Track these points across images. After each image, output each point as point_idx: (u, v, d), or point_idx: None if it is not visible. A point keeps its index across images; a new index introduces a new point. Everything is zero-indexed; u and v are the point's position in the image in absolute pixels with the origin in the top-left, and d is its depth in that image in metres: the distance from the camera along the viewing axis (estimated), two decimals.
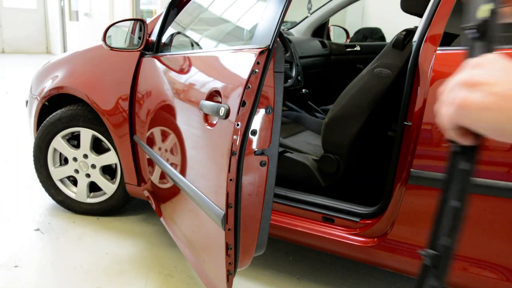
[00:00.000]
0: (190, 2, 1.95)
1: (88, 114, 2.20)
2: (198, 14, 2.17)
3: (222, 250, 1.17)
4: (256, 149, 1.15)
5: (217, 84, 1.26)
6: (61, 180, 2.37)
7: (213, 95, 1.26)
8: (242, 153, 1.09)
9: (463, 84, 0.48)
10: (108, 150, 2.22)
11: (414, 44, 1.41)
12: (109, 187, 2.27)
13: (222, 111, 1.13)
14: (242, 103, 1.07)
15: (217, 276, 1.26)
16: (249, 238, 1.20)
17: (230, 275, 1.21)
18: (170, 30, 1.96)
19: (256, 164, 1.16)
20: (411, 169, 1.35)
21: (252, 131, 1.11)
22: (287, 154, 1.93)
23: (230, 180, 1.11)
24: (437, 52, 1.34)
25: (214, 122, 1.22)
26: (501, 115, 0.45)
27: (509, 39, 1.39)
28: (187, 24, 2.09)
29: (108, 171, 2.30)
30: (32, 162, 2.36)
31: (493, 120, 0.46)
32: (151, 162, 1.91)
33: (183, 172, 1.51)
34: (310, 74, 2.82)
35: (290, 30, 3.23)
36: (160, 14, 1.99)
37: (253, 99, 1.07)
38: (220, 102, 1.20)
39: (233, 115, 1.10)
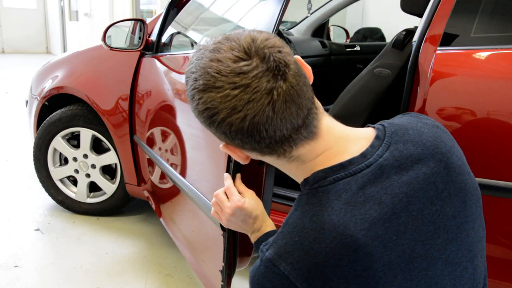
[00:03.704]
0: (190, 2, 1.95)
1: (88, 114, 2.20)
2: (198, 14, 2.17)
3: (221, 250, 1.17)
4: None
5: None
6: (61, 180, 2.37)
7: None
8: None
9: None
10: (108, 150, 2.22)
11: (414, 44, 1.41)
12: (109, 187, 2.27)
13: None
14: None
15: (216, 277, 1.26)
16: (248, 238, 1.20)
17: (229, 276, 1.21)
18: (170, 30, 1.96)
19: (254, 164, 1.16)
20: None
21: None
22: None
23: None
24: (437, 52, 1.34)
25: None
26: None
27: (509, 39, 1.39)
28: (187, 24, 2.10)
29: (108, 171, 2.30)
30: (32, 162, 2.36)
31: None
32: (151, 162, 1.91)
33: (182, 172, 1.51)
34: None
35: (290, 30, 3.23)
36: (160, 14, 1.99)
37: None
38: None
39: None
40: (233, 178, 0.97)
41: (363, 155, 0.62)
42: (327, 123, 0.65)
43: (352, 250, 0.56)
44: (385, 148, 0.63)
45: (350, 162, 0.62)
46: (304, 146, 0.63)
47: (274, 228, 0.90)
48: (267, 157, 0.65)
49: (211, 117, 0.60)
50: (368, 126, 0.70)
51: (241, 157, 0.67)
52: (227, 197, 0.90)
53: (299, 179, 0.67)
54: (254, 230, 0.89)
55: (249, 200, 0.89)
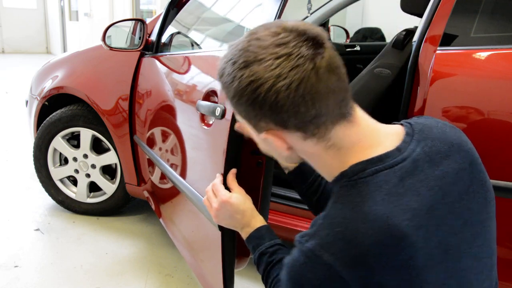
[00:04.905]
0: (190, 2, 1.95)
1: (88, 114, 2.20)
2: (198, 14, 2.17)
3: (219, 251, 1.17)
4: (252, 149, 1.15)
5: (214, 84, 1.26)
6: (61, 180, 2.37)
7: (210, 95, 1.26)
8: (238, 153, 1.09)
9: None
10: (108, 150, 2.22)
11: (414, 44, 1.40)
12: (109, 187, 2.27)
13: (218, 111, 1.13)
14: None
15: (215, 277, 1.25)
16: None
17: (226, 276, 1.21)
18: (169, 30, 1.96)
19: (252, 164, 1.16)
20: None
21: None
22: None
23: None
24: (437, 52, 1.34)
25: (211, 122, 1.22)
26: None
27: (509, 39, 1.39)
28: (187, 24, 2.10)
29: (108, 171, 2.30)
30: (32, 162, 2.36)
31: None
32: (151, 162, 1.91)
33: (181, 172, 1.51)
34: None
35: None
36: (160, 14, 1.99)
37: None
38: (217, 102, 1.20)
39: (229, 115, 1.09)
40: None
41: (398, 149, 0.64)
42: (360, 112, 0.68)
43: (397, 240, 0.57)
44: (416, 144, 0.66)
45: (387, 155, 0.63)
46: (342, 129, 0.64)
47: (264, 223, 0.91)
48: (308, 142, 0.65)
49: (256, 90, 0.60)
50: (393, 124, 0.72)
51: (283, 147, 0.66)
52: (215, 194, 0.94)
53: (333, 173, 0.67)
54: (243, 226, 0.90)
55: (236, 195, 0.92)
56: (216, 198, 0.93)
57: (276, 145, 0.67)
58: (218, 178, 0.99)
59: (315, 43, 0.60)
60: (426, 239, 0.60)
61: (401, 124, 0.71)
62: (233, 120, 1.07)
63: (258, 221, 0.91)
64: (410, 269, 0.58)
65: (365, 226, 0.57)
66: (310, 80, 0.59)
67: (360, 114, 0.67)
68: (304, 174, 0.97)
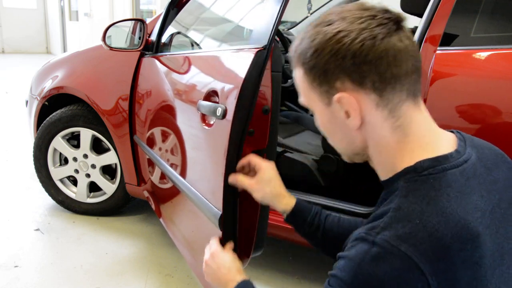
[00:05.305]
0: (190, 2, 1.95)
1: (88, 114, 2.20)
2: (198, 14, 2.17)
3: None
4: (253, 150, 1.15)
5: (215, 84, 1.26)
6: (61, 180, 2.37)
7: (211, 95, 1.26)
8: (239, 154, 1.09)
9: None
10: (108, 150, 2.22)
11: None
12: (109, 187, 2.27)
13: (219, 111, 1.13)
14: (239, 103, 1.07)
15: None
16: (246, 239, 1.20)
17: None
18: (170, 30, 1.96)
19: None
20: None
21: (249, 131, 1.11)
22: (287, 154, 1.93)
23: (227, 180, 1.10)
24: (437, 52, 1.34)
25: (212, 123, 1.22)
26: None
27: (509, 39, 1.39)
28: (187, 24, 2.10)
29: (108, 171, 2.30)
30: (32, 162, 2.36)
31: None
32: (151, 162, 1.91)
33: (181, 172, 1.51)
34: None
35: (290, 30, 3.23)
36: (160, 14, 1.99)
37: (250, 99, 1.07)
38: (218, 102, 1.20)
39: (230, 115, 1.09)
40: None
41: (458, 151, 0.65)
42: (423, 103, 0.70)
43: (475, 236, 0.57)
44: (471, 149, 0.67)
45: (451, 155, 0.64)
46: (411, 110, 0.65)
47: (246, 279, 0.94)
48: (379, 113, 0.65)
49: (341, 39, 0.62)
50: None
51: (355, 114, 0.65)
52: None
53: (394, 167, 0.66)
54: (227, 281, 0.94)
55: (227, 253, 1.01)
56: (209, 251, 1.03)
57: (350, 109, 0.65)
58: (215, 240, 1.08)
59: (396, 17, 0.64)
60: (491, 240, 0.60)
61: (450, 131, 0.73)
62: (234, 120, 1.07)
63: (244, 277, 0.94)
64: (481, 268, 0.58)
65: (445, 220, 0.57)
66: (393, 38, 0.61)
67: (423, 105, 0.69)
68: (302, 212, 0.99)
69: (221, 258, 0.99)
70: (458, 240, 0.56)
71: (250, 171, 1.06)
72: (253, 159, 1.04)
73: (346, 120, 0.67)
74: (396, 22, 0.63)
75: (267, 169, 1.00)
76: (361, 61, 0.61)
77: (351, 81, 0.64)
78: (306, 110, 2.82)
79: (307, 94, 0.71)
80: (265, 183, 0.99)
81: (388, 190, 0.67)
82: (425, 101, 1.31)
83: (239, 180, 1.03)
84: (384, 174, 0.70)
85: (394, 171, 0.67)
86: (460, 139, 0.69)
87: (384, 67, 0.62)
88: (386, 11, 0.64)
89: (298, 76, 0.70)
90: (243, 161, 1.06)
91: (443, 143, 0.67)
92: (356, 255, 0.59)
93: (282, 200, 1.00)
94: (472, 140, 0.70)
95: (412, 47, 0.64)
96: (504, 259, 0.63)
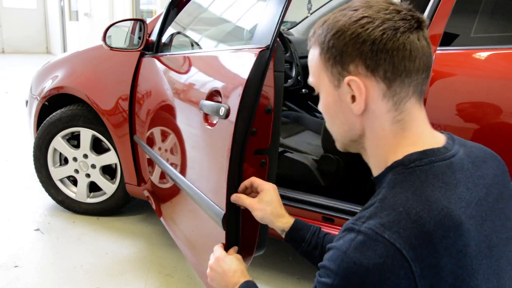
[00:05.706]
0: (190, 2, 1.95)
1: (88, 114, 2.20)
2: (198, 14, 2.17)
3: None
4: (256, 149, 1.15)
5: (217, 84, 1.26)
6: (61, 180, 2.37)
7: (213, 95, 1.26)
8: (242, 153, 1.09)
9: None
10: (108, 150, 2.22)
11: None
12: (109, 187, 2.27)
13: (222, 111, 1.13)
14: (242, 103, 1.07)
15: None
16: (249, 238, 1.20)
17: None
18: (170, 30, 1.96)
19: (256, 164, 1.16)
20: None
21: (252, 131, 1.11)
22: (287, 154, 1.93)
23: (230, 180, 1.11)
24: (437, 52, 1.34)
25: (214, 122, 1.22)
26: None
27: (509, 39, 1.39)
28: (187, 24, 2.10)
29: (108, 171, 2.30)
30: (32, 162, 2.36)
31: None
32: (151, 162, 1.91)
33: (183, 172, 1.51)
34: None
35: (290, 30, 3.23)
36: (160, 14, 1.99)
37: (253, 99, 1.07)
38: (220, 102, 1.20)
39: (233, 115, 1.09)
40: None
41: (445, 147, 0.68)
42: (423, 105, 0.71)
43: (458, 224, 0.59)
44: (459, 147, 0.70)
45: (439, 150, 0.67)
46: (414, 108, 0.67)
47: (249, 279, 0.96)
48: (384, 104, 0.66)
49: (365, 25, 0.64)
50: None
51: (360, 99, 0.66)
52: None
53: (386, 160, 0.68)
54: (233, 284, 0.96)
55: (231, 256, 1.03)
56: (213, 256, 1.05)
57: (357, 93, 0.67)
58: (219, 245, 1.11)
59: (419, 17, 0.66)
60: (476, 231, 0.61)
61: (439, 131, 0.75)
62: (238, 120, 1.07)
63: (247, 278, 0.96)
64: (465, 257, 0.59)
65: (428, 208, 0.58)
66: (413, 35, 0.64)
67: (423, 105, 0.70)
68: (300, 231, 1.01)
69: (226, 262, 1.00)
70: (441, 228, 0.57)
71: (252, 192, 1.09)
72: (255, 180, 1.07)
73: (351, 104, 0.68)
74: (418, 21, 0.65)
75: (269, 190, 1.03)
76: (379, 48, 0.63)
77: (365, 67, 0.65)
78: (306, 110, 2.82)
79: (318, 74, 0.72)
80: (267, 203, 1.02)
81: (379, 185, 0.69)
82: (425, 101, 1.32)
83: (241, 198, 1.06)
84: (376, 168, 0.72)
85: (385, 165, 0.68)
86: (449, 138, 0.72)
87: (399, 59, 0.64)
88: (411, 9, 0.66)
89: (314, 55, 0.72)
90: (245, 183, 1.09)
91: (432, 140, 0.69)
92: (342, 244, 0.60)
93: (282, 219, 1.02)
94: (461, 140, 0.73)
95: (428, 48, 0.66)
96: (493, 251, 0.64)
